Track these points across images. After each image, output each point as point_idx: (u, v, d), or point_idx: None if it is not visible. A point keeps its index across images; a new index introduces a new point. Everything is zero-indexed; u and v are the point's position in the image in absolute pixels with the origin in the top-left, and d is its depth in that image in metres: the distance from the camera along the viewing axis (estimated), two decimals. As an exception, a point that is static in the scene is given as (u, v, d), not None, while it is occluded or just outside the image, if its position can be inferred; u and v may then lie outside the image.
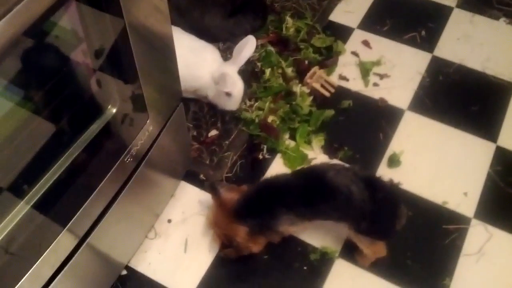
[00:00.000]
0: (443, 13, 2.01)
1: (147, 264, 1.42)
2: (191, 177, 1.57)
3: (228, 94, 1.56)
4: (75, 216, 1.07)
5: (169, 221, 1.49)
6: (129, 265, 1.41)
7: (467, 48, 1.90)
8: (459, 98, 1.76)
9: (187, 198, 1.54)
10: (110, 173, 1.14)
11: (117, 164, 1.14)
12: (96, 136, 1.09)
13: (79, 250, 1.14)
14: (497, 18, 1.99)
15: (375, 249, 1.33)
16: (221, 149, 1.62)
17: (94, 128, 1.10)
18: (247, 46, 1.57)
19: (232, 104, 1.61)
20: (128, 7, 0.94)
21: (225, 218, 1.28)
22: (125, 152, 1.15)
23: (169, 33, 1.14)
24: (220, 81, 1.53)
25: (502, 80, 1.80)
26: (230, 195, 1.29)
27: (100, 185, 1.12)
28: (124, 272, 1.40)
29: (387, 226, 1.29)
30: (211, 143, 1.63)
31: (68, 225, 1.06)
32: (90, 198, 1.10)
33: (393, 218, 1.28)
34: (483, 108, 1.73)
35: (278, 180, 1.33)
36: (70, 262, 1.11)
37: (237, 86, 1.57)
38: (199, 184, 1.56)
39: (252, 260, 1.42)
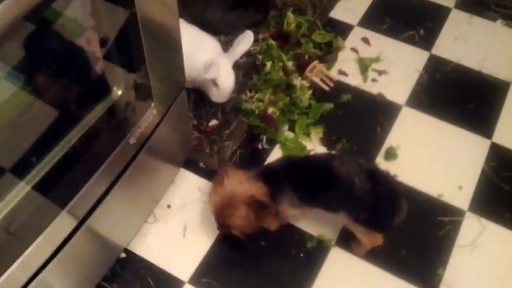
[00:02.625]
0: (441, 13, 2.05)
1: (146, 247, 1.44)
2: (191, 165, 1.59)
3: (215, 84, 1.59)
4: (76, 197, 1.09)
5: (169, 206, 1.51)
6: (128, 248, 1.43)
7: (464, 48, 1.93)
8: (456, 95, 1.79)
9: (186, 185, 1.56)
10: (113, 154, 1.16)
11: (121, 145, 1.16)
12: (101, 117, 1.12)
13: (78, 232, 1.15)
14: (494, 20, 2.03)
15: (372, 239, 1.36)
16: (221, 138, 1.64)
17: (99, 109, 1.13)
18: (244, 41, 1.61)
19: (219, 95, 1.63)
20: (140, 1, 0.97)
21: (241, 186, 1.26)
22: (129, 134, 1.17)
23: (176, 25, 1.17)
24: (208, 69, 1.55)
25: (498, 79, 1.84)
26: (238, 170, 1.30)
27: (103, 167, 1.14)
28: (123, 255, 1.42)
29: (386, 219, 1.31)
30: (211, 132, 1.65)
31: (68, 206, 1.08)
32: (92, 179, 1.12)
33: (393, 212, 1.30)
34: (479, 106, 1.77)
35: (288, 160, 1.36)
36: (68, 243, 1.13)
37: (225, 78, 1.59)
38: (199, 171, 1.58)
39: (249, 246, 1.44)
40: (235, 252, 1.44)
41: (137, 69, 1.13)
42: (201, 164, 1.60)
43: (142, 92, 1.17)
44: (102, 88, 1.13)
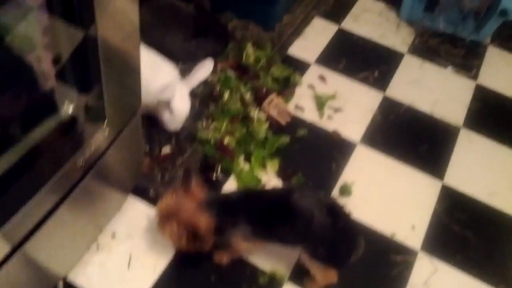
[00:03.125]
0: (395, 58, 2.10)
1: (86, 278, 1.33)
2: (140, 193, 1.51)
3: (169, 109, 1.54)
4: (12, 219, 0.99)
5: (113, 235, 1.42)
6: (67, 279, 1.32)
7: (417, 92, 1.98)
8: (409, 136, 1.82)
9: (134, 214, 1.47)
10: (57, 175, 1.07)
11: (67, 165, 1.08)
12: (48, 135, 1.05)
13: (12, 257, 1.05)
14: (445, 66, 2.10)
15: (327, 275, 1.32)
16: (174, 167, 1.58)
17: (46, 126, 1.06)
18: (203, 69, 1.59)
19: (172, 122, 1.59)
20: (102, 22, 0.93)
21: (190, 207, 1.20)
22: (77, 154, 1.09)
23: (136, 48, 1.13)
24: (164, 90, 1.50)
25: (448, 124, 1.88)
26: (200, 188, 1.24)
27: (45, 188, 1.05)
28: (61, 285, 1.31)
29: (344, 255, 1.28)
30: (163, 160, 1.59)
31: (3, 228, 0.97)
32: (32, 201, 1.02)
33: (351, 249, 1.28)
34: (430, 148, 1.80)
35: (246, 192, 1.33)
36: (0, 269, 1.02)
37: (180, 103, 1.56)
38: (148, 200, 1.50)
39: (198, 281, 1.37)
40: (183, 286, 1.36)
41: (91, 89, 1.07)
42: (151, 192, 1.52)
43: (95, 112, 1.11)
44: (50, 105, 1.06)
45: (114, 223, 1.44)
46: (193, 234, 1.19)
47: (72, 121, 1.06)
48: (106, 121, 1.12)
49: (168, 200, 1.22)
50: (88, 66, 1.01)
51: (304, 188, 1.31)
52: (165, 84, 1.51)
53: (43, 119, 1.04)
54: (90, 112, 1.10)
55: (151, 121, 1.65)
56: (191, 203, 1.20)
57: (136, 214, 1.47)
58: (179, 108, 1.54)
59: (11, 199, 0.99)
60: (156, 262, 1.38)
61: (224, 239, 1.26)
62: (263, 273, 1.40)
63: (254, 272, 1.40)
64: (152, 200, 1.50)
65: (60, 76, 1.02)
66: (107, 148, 1.20)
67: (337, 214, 1.23)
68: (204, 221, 1.19)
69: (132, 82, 1.20)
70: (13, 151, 0.99)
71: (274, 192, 1.39)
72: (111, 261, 1.37)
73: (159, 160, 1.58)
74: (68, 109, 1.06)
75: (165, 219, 1.22)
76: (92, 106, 1.09)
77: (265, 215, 1.25)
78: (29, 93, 1.02)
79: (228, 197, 1.33)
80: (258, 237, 1.27)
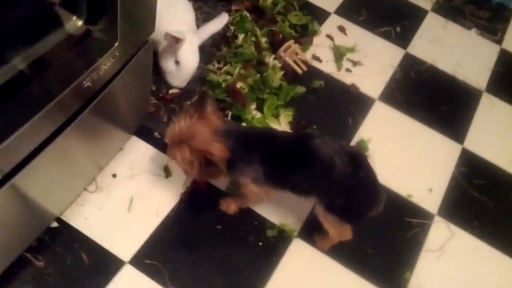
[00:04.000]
0: (418, 14, 1.99)
1: (83, 218, 1.24)
2: (145, 133, 1.41)
3: (176, 63, 1.42)
4: (2, 145, 0.86)
5: (114, 175, 1.32)
6: (62, 217, 1.23)
7: (439, 51, 1.87)
8: (429, 96, 1.72)
9: (137, 154, 1.37)
10: (60, 96, 0.95)
11: (73, 85, 0.96)
12: (54, 47, 0.93)
13: (1, 189, 0.93)
14: (469, 28, 1.98)
15: (340, 231, 1.22)
16: (181, 108, 1.47)
17: (53, 38, 0.94)
18: (217, 21, 1.47)
19: (178, 77, 1.46)
20: None
21: (205, 133, 1.09)
22: (85, 73, 0.98)
23: None
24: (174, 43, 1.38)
25: (471, 86, 1.78)
26: (216, 114, 1.13)
27: (43, 111, 0.92)
28: (55, 224, 1.21)
29: (363, 209, 1.18)
30: (171, 100, 1.48)
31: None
32: (25, 126, 0.89)
33: (371, 202, 1.18)
34: (451, 110, 1.70)
35: (265, 130, 1.22)
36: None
37: (188, 56, 1.42)
38: (152, 141, 1.40)
39: (203, 228, 1.28)
40: (186, 233, 1.27)
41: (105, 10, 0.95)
42: (156, 133, 1.42)
43: (107, 28, 0.99)
44: (56, 14, 0.94)
45: (115, 163, 1.34)
46: (205, 160, 1.08)
47: (82, 33, 0.94)
48: (119, 39, 1.00)
49: (181, 124, 1.10)
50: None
51: (325, 135, 1.20)
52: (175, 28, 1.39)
53: (49, 28, 0.93)
54: (104, 26, 0.99)
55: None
56: (205, 128, 1.09)
57: (139, 155, 1.37)
58: (186, 60, 1.41)
59: (3, 120, 0.87)
60: (159, 207, 1.29)
61: (234, 175, 1.16)
62: (272, 225, 1.31)
63: (262, 224, 1.31)
64: (157, 142, 1.40)
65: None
66: (115, 75, 1.09)
67: (359, 164, 1.13)
68: (218, 148, 1.08)
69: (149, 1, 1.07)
70: (12, 63, 0.88)
71: (293, 135, 1.28)
72: (111, 203, 1.27)
73: (166, 100, 1.47)
74: (79, 20, 0.94)
75: (176, 143, 1.10)
76: (106, 20, 0.98)
77: (281, 157, 1.14)
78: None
79: (246, 132, 1.20)
80: (269, 182, 1.16)
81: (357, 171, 1.12)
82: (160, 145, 1.38)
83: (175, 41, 1.36)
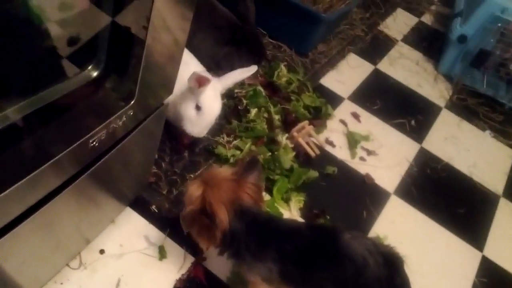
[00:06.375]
0: (432, 110, 1.93)
1: (59, 300, 1.04)
2: (141, 206, 1.25)
3: (197, 108, 1.29)
4: None
5: (102, 251, 1.14)
6: (35, 296, 1.03)
7: (454, 150, 1.79)
8: (446, 196, 1.61)
9: (129, 229, 1.20)
10: (58, 156, 0.81)
11: (77, 143, 0.82)
12: (63, 97, 0.79)
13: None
14: (483, 129, 1.93)
15: None
16: (183, 181, 1.32)
17: (62, 87, 0.81)
18: (245, 71, 1.34)
19: (197, 124, 1.30)
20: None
21: (227, 192, 0.97)
22: (96, 130, 0.84)
23: (183, 37, 0.92)
24: (194, 85, 1.25)
25: (488, 190, 1.68)
26: (254, 186, 1.00)
27: (35, 173, 0.77)
28: (26, 304, 1.01)
29: None
30: (173, 172, 1.33)
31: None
32: (11, 189, 0.74)
33: None
34: (469, 213, 1.59)
35: (288, 223, 1.07)
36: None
37: (211, 102, 1.29)
38: (149, 215, 1.24)
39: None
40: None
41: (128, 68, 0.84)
42: (153, 207, 1.26)
43: (125, 83, 0.87)
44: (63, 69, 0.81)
45: (104, 238, 1.16)
46: (206, 212, 0.95)
47: (95, 89, 0.81)
48: (135, 98, 0.88)
49: (221, 171, 1.01)
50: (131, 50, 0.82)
51: (353, 230, 1.04)
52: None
53: (56, 79, 0.80)
54: (122, 82, 0.87)
55: (166, 128, 1.40)
56: (231, 191, 0.97)
57: (132, 230, 1.20)
58: (209, 106, 1.28)
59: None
60: (149, 293, 1.11)
61: (238, 266, 1.00)
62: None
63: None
64: (153, 217, 1.23)
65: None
66: (125, 136, 0.95)
67: (396, 268, 0.98)
68: (223, 214, 0.94)
69: (171, 69, 0.97)
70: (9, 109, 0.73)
71: (317, 227, 1.13)
72: (94, 284, 1.08)
73: (183, 146, 1.33)
74: (94, 70, 0.81)
75: (199, 179, 1.00)
76: (123, 80, 0.86)
77: (302, 254, 0.99)
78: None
79: (264, 220, 1.02)
80: (285, 281, 1.00)
81: (393, 276, 0.97)
82: (157, 220, 1.22)
83: (199, 84, 1.23)
